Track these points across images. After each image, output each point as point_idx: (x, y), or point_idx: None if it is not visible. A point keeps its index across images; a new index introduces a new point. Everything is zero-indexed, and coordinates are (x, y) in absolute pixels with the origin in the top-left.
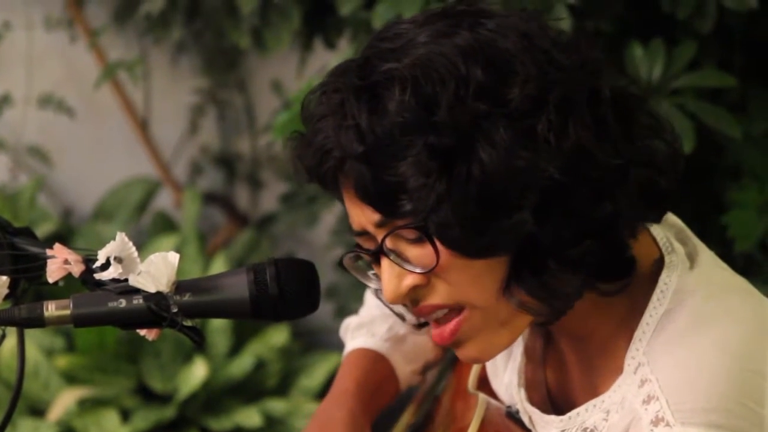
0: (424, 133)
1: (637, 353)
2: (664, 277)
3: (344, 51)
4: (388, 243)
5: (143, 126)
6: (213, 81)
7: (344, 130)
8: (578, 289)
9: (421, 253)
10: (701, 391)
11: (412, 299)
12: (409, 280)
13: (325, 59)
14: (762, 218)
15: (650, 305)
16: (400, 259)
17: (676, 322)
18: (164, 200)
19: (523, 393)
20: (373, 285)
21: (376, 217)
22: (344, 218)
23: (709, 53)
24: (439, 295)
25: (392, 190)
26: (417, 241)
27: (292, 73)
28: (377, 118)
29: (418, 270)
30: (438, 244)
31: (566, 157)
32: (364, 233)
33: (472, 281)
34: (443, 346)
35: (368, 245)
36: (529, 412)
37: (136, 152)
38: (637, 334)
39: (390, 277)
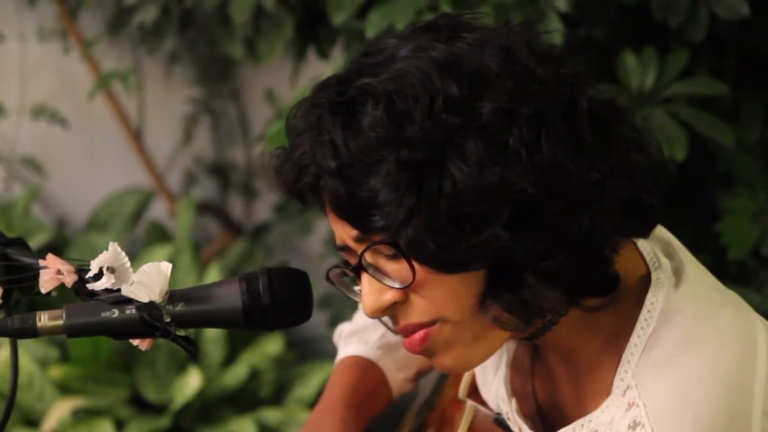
0: (395, 148)
1: (626, 375)
2: (650, 296)
3: (337, 60)
4: (368, 258)
5: (137, 136)
6: (207, 91)
7: (319, 145)
8: (557, 303)
9: (398, 269)
10: (688, 421)
11: (391, 315)
12: (389, 296)
13: (319, 69)
14: (755, 225)
15: (637, 325)
16: (380, 273)
17: (664, 343)
18: (158, 210)
19: (514, 404)
20: (358, 299)
21: (354, 232)
22: None
23: (701, 61)
24: (418, 313)
25: (365, 205)
26: (394, 257)
27: (286, 83)
28: (351, 134)
29: (396, 285)
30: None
31: (539, 171)
32: (346, 248)
33: (448, 297)
34: None
35: (351, 260)
36: (519, 425)
37: (130, 162)
38: (626, 355)
39: (369, 291)
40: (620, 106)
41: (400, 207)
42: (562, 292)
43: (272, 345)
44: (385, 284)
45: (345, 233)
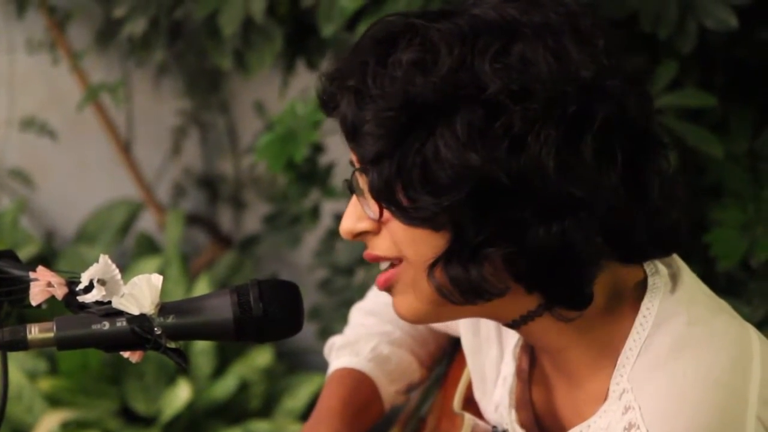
0: (401, 91)
1: (621, 379)
2: (646, 301)
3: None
4: (359, 181)
5: (126, 148)
6: (195, 102)
7: (352, 64)
8: (503, 292)
9: (375, 204)
10: (682, 423)
11: (363, 240)
12: (363, 224)
13: (308, 80)
14: (744, 237)
15: (633, 330)
16: (364, 200)
17: (659, 347)
18: (147, 222)
19: (513, 414)
20: None
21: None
22: (327, 239)
23: (690, 73)
24: (383, 247)
25: (358, 130)
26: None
27: (275, 95)
28: (378, 65)
29: (371, 215)
30: None
31: (519, 167)
32: (353, 166)
33: (409, 242)
34: (427, 367)
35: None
36: None
37: (119, 174)
38: (621, 359)
39: (350, 213)
40: (664, 143)
41: (376, 145)
42: (518, 285)
43: (261, 357)
44: (365, 211)
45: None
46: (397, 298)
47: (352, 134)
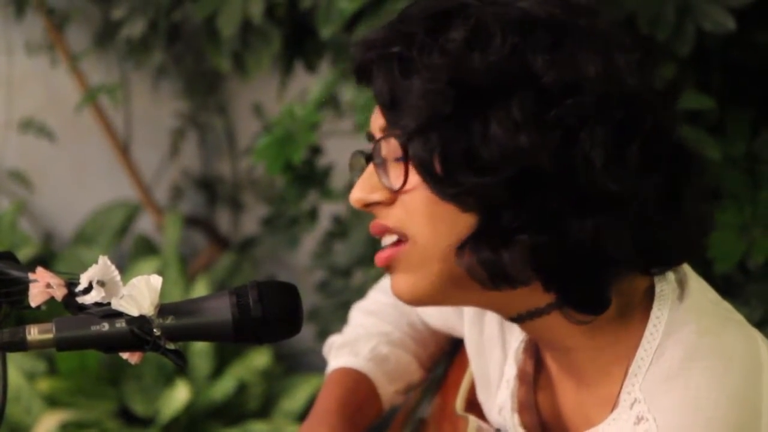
0: (453, 65)
1: (633, 389)
2: (655, 309)
3: (325, 74)
4: (382, 149)
5: (124, 149)
6: (194, 104)
7: (398, 32)
8: (528, 280)
9: (397, 174)
10: None
11: (374, 212)
12: (377, 195)
13: (306, 83)
14: (742, 239)
15: (644, 339)
16: (382, 170)
17: (671, 358)
18: (145, 224)
19: (516, 418)
20: None
21: (382, 121)
22: (325, 241)
23: (687, 75)
24: (392, 219)
25: (400, 97)
26: (400, 160)
27: (273, 97)
28: (428, 38)
29: (389, 185)
30: (413, 169)
31: (568, 158)
32: (372, 137)
33: (427, 219)
34: (427, 367)
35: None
36: None
37: (117, 176)
38: (633, 368)
39: (364, 181)
40: (700, 160)
41: (423, 116)
42: (541, 277)
43: (260, 358)
44: (381, 182)
45: (377, 122)
46: (397, 277)
47: (391, 102)
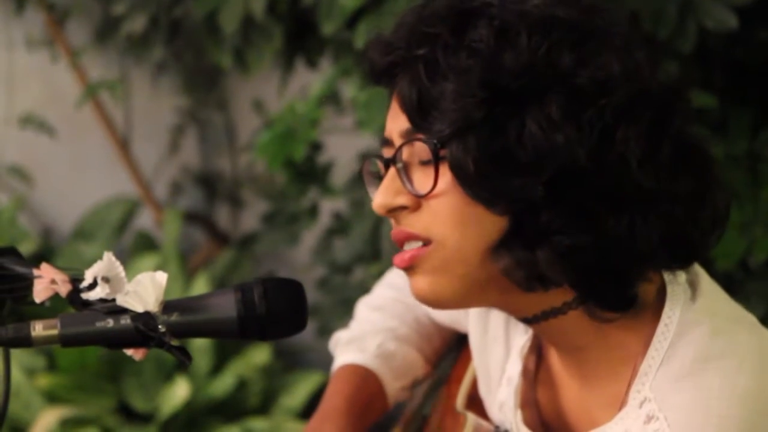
0: (485, 66)
1: (642, 387)
2: (667, 309)
3: (326, 71)
4: (404, 154)
5: (124, 145)
6: (194, 100)
7: (421, 33)
8: (561, 280)
9: (423, 177)
10: None
11: (396, 218)
12: (401, 200)
13: (307, 79)
14: (743, 237)
15: (655, 339)
16: (405, 175)
17: (682, 358)
18: (145, 219)
19: (519, 415)
20: (372, 194)
21: (405, 126)
22: (325, 238)
23: (689, 74)
24: (419, 225)
25: (430, 101)
26: (426, 163)
27: (273, 93)
28: (453, 38)
29: (413, 191)
30: (442, 173)
31: (605, 156)
32: (388, 143)
33: (456, 223)
34: (432, 363)
35: (387, 154)
36: None
37: (117, 171)
38: (643, 368)
39: (386, 187)
40: (711, 155)
41: (458, 119)
42: (573, 277)
43: (260, 355)
44: (405, 187)
45: (397, 126)
46: (418, 279)
47: (419, 106)
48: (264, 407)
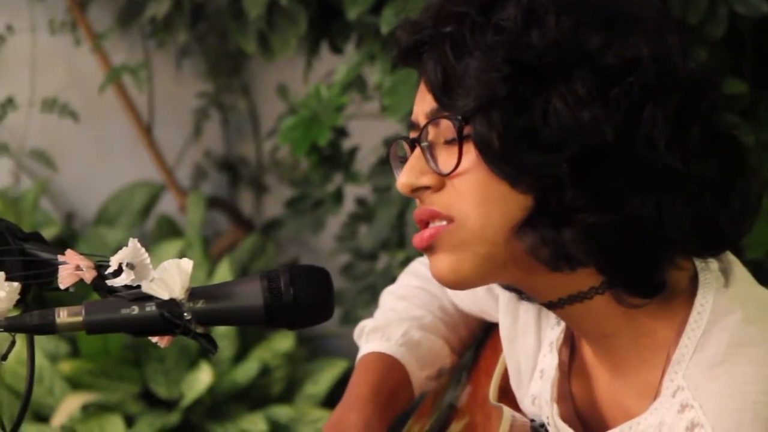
0: (511, 44)
1: (675, 376)
2: (699, 297)
3: (351, 56)
4: (429, 133)
5: (147, 130)
6: (217, 85)
7: (449, 11)
8: (586, 260)
9: (448, 157)
10: (747, 420)
11: (420, 198)
12: (425, 180)
13: (332, 64)
14: None
15: (688, 327)
16: (430, 154)
17: (715, 346)
18: (168, 205)
19: (555, 409)
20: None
21: (431, 105)
22: (349, 224)
23: (719, 59)
24: (442, 203)
25: (455, 78)
26: (450, 142)
27: (297, 78)
28: (481, 16)
29: (438, 170)
30: (466, 151)
31: (633, 135)
32: (415, 126)
33: (479, 201)
34: (458, 352)
35: (413, 136)
36: (561, 429)
37: (140, 156)
38: (676, 356)
39: (411, 167)
40: (742, 141)
41: (483, 95)
42: (599, 258)
43: (283, 342)
44: (429, 166)
45: (423, 108)
46: (438, 258)
47: (444, 83)
48: (287, 395)
